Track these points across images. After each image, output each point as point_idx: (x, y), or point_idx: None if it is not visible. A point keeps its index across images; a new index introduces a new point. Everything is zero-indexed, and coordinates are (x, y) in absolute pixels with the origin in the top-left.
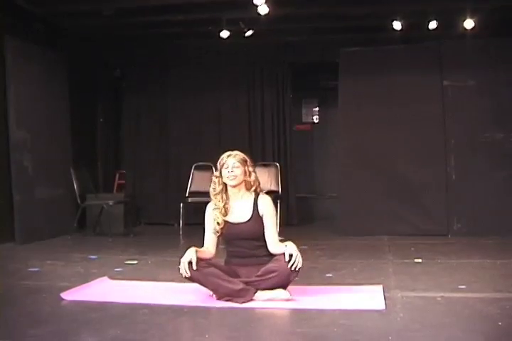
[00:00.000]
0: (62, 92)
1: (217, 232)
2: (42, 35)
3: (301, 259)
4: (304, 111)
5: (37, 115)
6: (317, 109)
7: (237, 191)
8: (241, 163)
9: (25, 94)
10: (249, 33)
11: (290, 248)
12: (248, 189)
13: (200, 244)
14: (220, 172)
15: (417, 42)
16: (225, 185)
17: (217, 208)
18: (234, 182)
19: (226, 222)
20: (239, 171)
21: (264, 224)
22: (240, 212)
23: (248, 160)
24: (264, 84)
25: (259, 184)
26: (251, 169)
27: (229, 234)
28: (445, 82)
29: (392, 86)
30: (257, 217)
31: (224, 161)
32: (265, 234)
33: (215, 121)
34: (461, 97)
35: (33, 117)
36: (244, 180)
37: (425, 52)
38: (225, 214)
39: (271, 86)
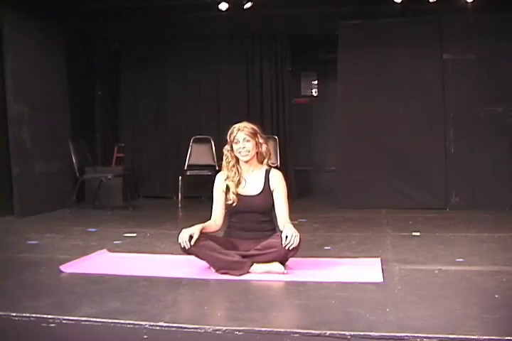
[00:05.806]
0: (60, 65)
1: (230, 200)
2: (41, 7)
3: (297, 239)
4: (302, 84)
5: (35, 88)
6: (316, 82)
7: (248, 164)
8: (251, 137)
9: (23, 66)
10: (248, 5)
11: (287, 229)
12: (261, 161)
13: (198, 217)
14: (231, 147)
15: (417, 16)
16: (237, 158)
17: (231, 181)
18: (247, 158)
19: (237, 194)
20: (250, 145)
21: (275, 200)
22: (250, 185)
23: (258, 131)
24: (262, 57)
25: (271, 154)
26: (261, 140)
27: (237, 206)
28: (445, 56)
29: (391, 59)
30: (267, 191)
31: (234, 135)
32: (276, 209)
33: (214, 93)
34: (461, 71)
35: (31, 90)
36: (256, 152)
37: (425, 25)
38: (238, 186)
39: (270, 59)
